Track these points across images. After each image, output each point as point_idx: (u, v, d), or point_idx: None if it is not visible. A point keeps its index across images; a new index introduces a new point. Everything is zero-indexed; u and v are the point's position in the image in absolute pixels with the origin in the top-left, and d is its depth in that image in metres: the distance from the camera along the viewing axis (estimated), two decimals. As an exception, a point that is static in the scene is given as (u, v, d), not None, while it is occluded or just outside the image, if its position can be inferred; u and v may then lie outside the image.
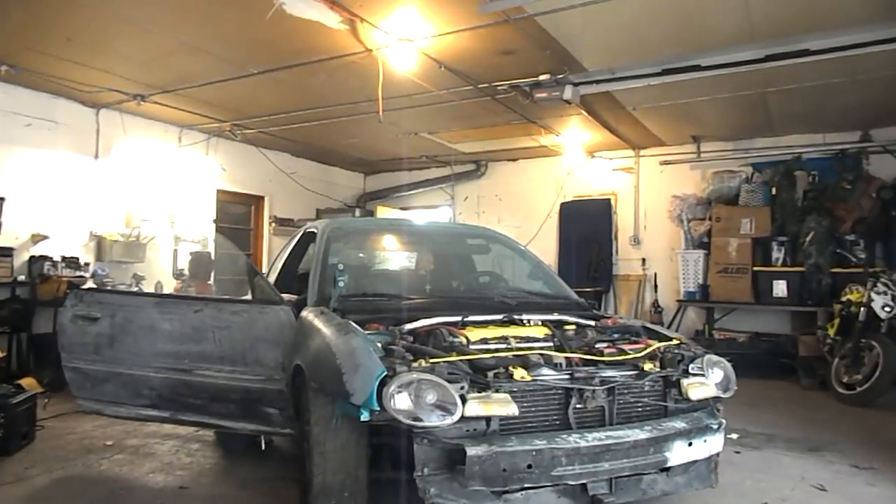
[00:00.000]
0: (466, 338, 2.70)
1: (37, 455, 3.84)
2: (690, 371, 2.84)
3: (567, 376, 2.57)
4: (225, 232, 8.51)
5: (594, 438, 2.46)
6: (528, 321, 3.01)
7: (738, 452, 3.98)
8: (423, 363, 2.44)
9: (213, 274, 7.49)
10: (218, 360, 3.38)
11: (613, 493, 2.51)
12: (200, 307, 3.48)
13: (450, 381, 2.36)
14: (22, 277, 6.06)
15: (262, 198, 9.02)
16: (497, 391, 2.42)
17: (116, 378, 3.56)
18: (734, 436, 4.21)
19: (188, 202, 7.79)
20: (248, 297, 3.59)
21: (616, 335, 3.05)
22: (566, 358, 2.63)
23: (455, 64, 5.35)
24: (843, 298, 6.06)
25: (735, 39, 4.83)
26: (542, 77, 5.56)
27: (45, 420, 4.47)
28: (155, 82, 6.06)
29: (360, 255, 4.57)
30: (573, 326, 3.07)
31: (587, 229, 8.71)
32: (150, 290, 6.44)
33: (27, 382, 5.00)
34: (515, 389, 2.46)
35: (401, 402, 2.29)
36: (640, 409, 2.73)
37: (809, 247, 6.79)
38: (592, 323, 3.18)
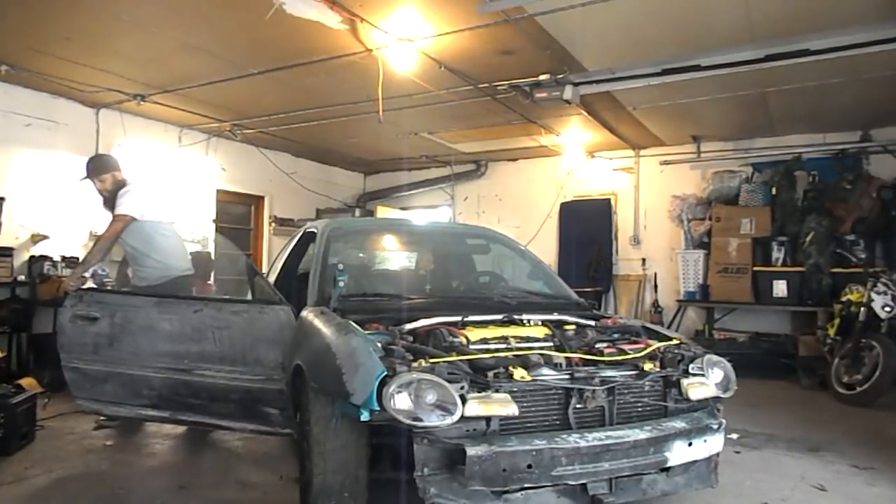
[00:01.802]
0: (466, 338, 2.69)
1: (37, 455, 3.84)
2: (690, 371, 2.83)
3: (567, 376, 2.57)
4: (225, 232, 8.51)
5: (594, 438, 2.45)
6: (528, 321, 3.01)
7: (738, 452, 3.98)
8: (423, 363, 2.43)
9: (213, 274, 7.49)
10: (218, 359, 3.38)
11: (613, 493, 2.50)
12: (200, 307, 3.49)
13: (450, 381, 2.36)
14: (22, 277, 6.06)
15: (262, 198, 9.03)
16: (497, 391, 2.42)
17: (116, 378, 3.56)
18: (734, 436, 4.21)
19: (188, 202, 7.78)
20: (248, 297, 3.59)
21: (616, 335, 3.05)
22: (566, 358, 2.63)
23: (455, 64, 5.35)
24: (843, 298, 6.06)
25: (735, 39, 4.83)
26: (542, 77, 5.56)
27: (45, 420, 4.47)
28: (155, 82, 6.06)
29: (360, 255, 4.57)
30: (573, 326, 3.06)
31: (587, 229, 8.71)
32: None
33: (27, 382, 5.00)
34: (515, 389, 2.46)
35: (401, 402, 2.29)
36: (640, 409, 2.72)
37: (809, 247, 6.79)
38: (592, 323, 3.17)
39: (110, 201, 4.28)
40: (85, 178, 4.35)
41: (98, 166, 4.40)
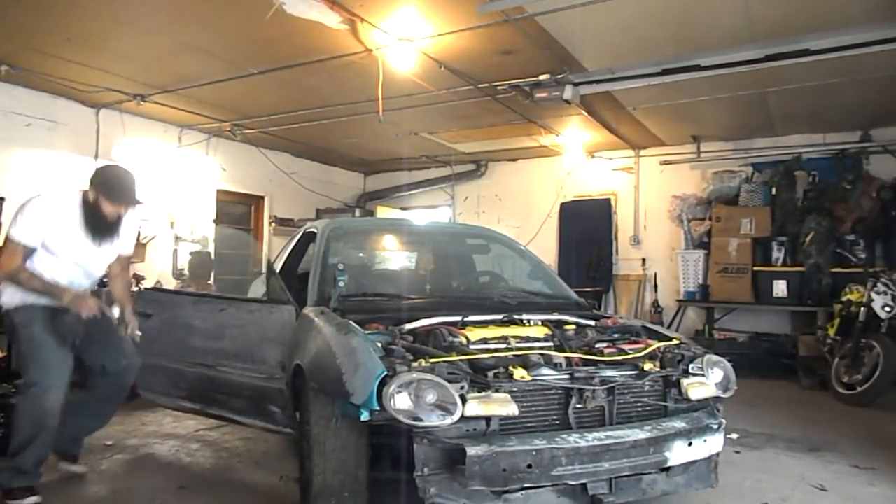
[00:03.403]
0: (466, 338, 2.70)
1: (37, 455, 3.84)
2: (690, 371, 2.83)
3: (567, 376, 2.57)
4: (228, 230, 8.53)
5: (594, 438, 2.45)
6: (528, 321, 3.01)
7: (738, 452, 3.98)
8: (423, 363, 2.43)
9: (212, 273, 7.50)
10: (233, 356, 3.51)
11: (613, 492, 2.50)
12: (225, 306, 3.66)
13: (450, 381, 2.36)
14: (22, 277, 6.05)
15: (262, 198, 9.02)
16: (497, 391, 2.42)
17: (163, 370, 3.81)
18: (734, 436, 4.21)
19: (188, 202, 7.79)
20: (263, 296, 3.67)
21: (616, 335, 3.05)
22: (566, 358, 2.63)
23: (455, 64, 5.35)
24: (843, 298, 6.06)
25: (735, 39, 4.83)
26: (542, 77, 5.56)
27: (45, 420, 4.46)
28: (155, 82, 6.06)
29: (360, 255, 4.57)
30: (573, 326, 3.07)
31: (587, 229, 8.71)
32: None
33: (27, 382, 4.98)
34: (515, 389, 2.46)
35: (401, 401, 2.29)
36: (640, 409, 2.73)
37: (809, 247, 6.79)
38: (592, 323, 3.18)
39: (110, 227, 3.26)
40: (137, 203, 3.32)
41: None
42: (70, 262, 3.18)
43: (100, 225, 3.20)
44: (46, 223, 3.08)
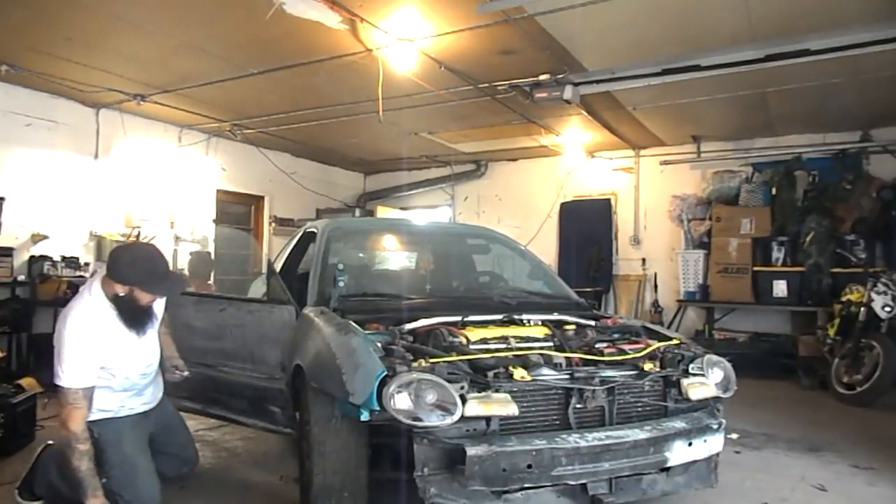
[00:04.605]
0: (466, 338, 2.70)
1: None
2: (690, 371, 2.84)
3: (567, 376, 2.57)
4: (228, 230, 8.53)
5: (594, 438, 2.45)
6: (528, 321, 3.01)
7: (738, 452, 3.98)
8: (423, 363, 2.43)
9: (212, 273, 7.50)
10: (233, 356, 3.52)
11: (613, 492, 2.50)
12: (225, 306, 3.66)
13: (450, 381, 2.36)
14: (22, 277, 6.05)
15: (262, 198, 9.03)
16: (497, 391, 2.42)
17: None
18: (734, 436, 4.21)
19: (188, 202, 7.79)
20: (263, 296, 3.66)
21: (616, 335, 3.05)
22: (566, 358, 2.63)
23: (455, 64, 5.35)
24: (843, 298, 6.06)
25: (735, 39, 4.83)
26: (542, 77, 5.56)
27: (45, 420, 4.45)
28: (155, 82, 6.06)
29: (360, 255, 4.57)
30: (573, 326, 3.07)
31: (587, 229, 8.71)
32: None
33: (27, 382, 4.97)
34: (515, 389, 2.46)
35: (401, 402, 2.29)
36: (640, 409, 2.73)
37: (809, 247, 6.79)
38: (592, 323, 3.18)
39: (148, 313, 2.96)
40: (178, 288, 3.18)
41: None
42: (129, 371, 2.91)
43: (140, 317, 2.89)
44: (93, 351, 2.72)
